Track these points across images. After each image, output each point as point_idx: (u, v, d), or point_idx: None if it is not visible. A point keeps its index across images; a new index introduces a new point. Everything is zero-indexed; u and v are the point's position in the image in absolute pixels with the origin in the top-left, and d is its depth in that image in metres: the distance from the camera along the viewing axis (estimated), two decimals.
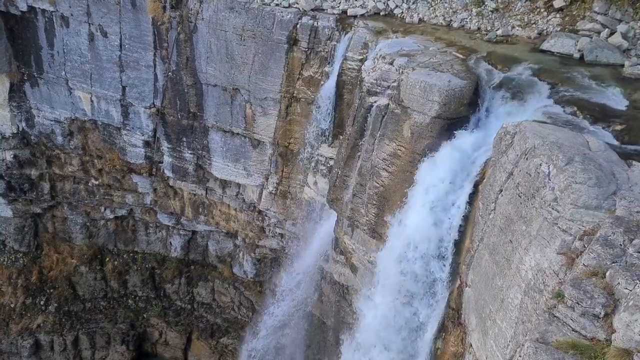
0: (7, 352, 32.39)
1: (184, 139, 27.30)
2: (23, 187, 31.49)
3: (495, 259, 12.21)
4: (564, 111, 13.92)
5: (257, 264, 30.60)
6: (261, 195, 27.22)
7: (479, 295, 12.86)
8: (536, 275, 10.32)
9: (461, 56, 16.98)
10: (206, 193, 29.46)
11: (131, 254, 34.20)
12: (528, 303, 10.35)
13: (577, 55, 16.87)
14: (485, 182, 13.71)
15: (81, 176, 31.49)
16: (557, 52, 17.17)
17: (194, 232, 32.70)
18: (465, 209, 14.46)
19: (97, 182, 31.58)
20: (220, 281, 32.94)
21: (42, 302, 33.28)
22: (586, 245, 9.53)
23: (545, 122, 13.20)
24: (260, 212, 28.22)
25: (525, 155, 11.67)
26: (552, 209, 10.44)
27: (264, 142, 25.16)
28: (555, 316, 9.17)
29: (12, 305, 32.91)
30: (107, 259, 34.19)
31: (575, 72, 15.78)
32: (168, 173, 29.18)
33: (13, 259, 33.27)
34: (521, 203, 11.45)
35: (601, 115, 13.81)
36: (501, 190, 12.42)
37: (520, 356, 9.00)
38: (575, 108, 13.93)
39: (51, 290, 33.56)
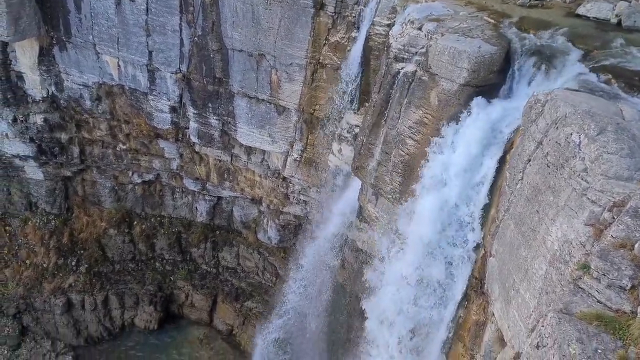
0: (41, 310, 33.66)
1: (210, 105, 27.37)
2: (53, 150, 32.16)
3: (521, 229, 12.06)
4: (598, 79, 13.45)
5: (281, 230, 30.93)
6: (286, 162, 27.30)
7: (503, 265, 12.78)
8: (562, 246, 10.17)
9: (492, 21, 16.49)
10: (231, 159, 29.67)
11: (158, 218, 34.94)
12: (553, 274, 10.24)
13: (614, 20, 16.24)
14: (513, 151, 13.46)
15: (109, 141, 31.98)
16: (593, 17, 16.55)
17: (219, 198, 33.12)
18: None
19: (124, 147, 32.05)
20: (244, 246, 33.46)
21: (73, 263, 34.35)
22: (615, 217, 9.33)
23: (577, 90, 12.80)
24: (284, 178, 28.36)
25: (556, 124, 11.36)
26: (582, 179, 10.20)
27: (289, 108, 25.06)
28: (580, 287, 9.08)
29: (45, 265, 34.05)
30: (135, 222, 35.01)
31: (612, 38, 15.19)
32: (194, 139, 29.41)
33: (45, 220, 34.29)
34: (549, 173, 11.21)
35: (637, 83, 13.28)
36: (529, 160, 12.17)
37: (543, 326, 8.95)
38: (609, 76, 13.43)
39: (82, 252, 34.58)
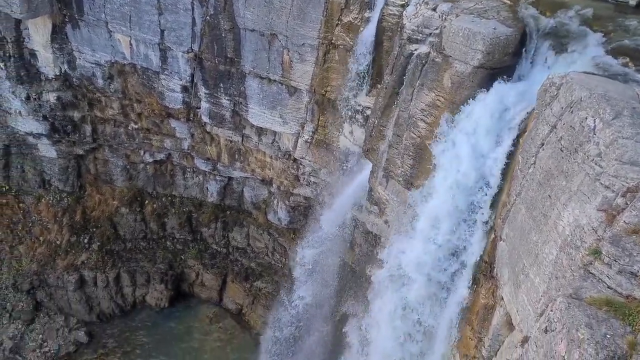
0: (54, 286, 34.19)
1: (221, 85, 27.30)
2: (66, 128, 32.36)
3: (532, 213, 11.98)
4: (616, 62, 13.19)
5: (291, 212, 30.99)
6: (297, 144, 27.24)
7: (513, 249, 12.73)
8: (574, 231, 10.09)
9: (509, 2, 16.19)
10: (242, 140, 29.68)
11: (169, 198, 35.17)
12: (563, 259, 10.18)
13: (633, 2, 15.90)
14: (526, 135, 13.31)
15: (121, 119, 32.09)
16: None
17: (229, 178, 33.22)
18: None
19: (136, 126, 32.16)
20: (255, 227, 33.63)
21: (85, 241, 34.76)
22: (629, 203, 9.22)
23: (594, 74, 12.58)
24: (295, 160, 28.33)
25: (571, 108, 11.20)
26: (596, 164, 10.08)
27: (300, 89, 24.93)
28: (590, 273, 9.02)
29: (58, 242, 34.49)
30: (147, 201, 35.27)
31: (631, 20, 14.88)
32: (205, 119, 29.41)
33: (58, 198, 34.68)
34: (563, 157, 11.08)
35: None
36: (543, 144, 12.03)
37: (552, 310, 8.93)
38: (627, 59, 13.18)
39: (94, 230, 34.98)
